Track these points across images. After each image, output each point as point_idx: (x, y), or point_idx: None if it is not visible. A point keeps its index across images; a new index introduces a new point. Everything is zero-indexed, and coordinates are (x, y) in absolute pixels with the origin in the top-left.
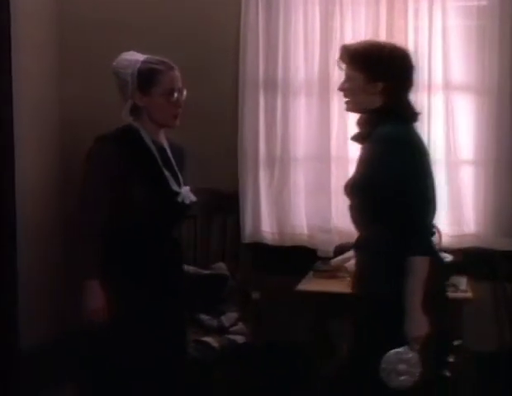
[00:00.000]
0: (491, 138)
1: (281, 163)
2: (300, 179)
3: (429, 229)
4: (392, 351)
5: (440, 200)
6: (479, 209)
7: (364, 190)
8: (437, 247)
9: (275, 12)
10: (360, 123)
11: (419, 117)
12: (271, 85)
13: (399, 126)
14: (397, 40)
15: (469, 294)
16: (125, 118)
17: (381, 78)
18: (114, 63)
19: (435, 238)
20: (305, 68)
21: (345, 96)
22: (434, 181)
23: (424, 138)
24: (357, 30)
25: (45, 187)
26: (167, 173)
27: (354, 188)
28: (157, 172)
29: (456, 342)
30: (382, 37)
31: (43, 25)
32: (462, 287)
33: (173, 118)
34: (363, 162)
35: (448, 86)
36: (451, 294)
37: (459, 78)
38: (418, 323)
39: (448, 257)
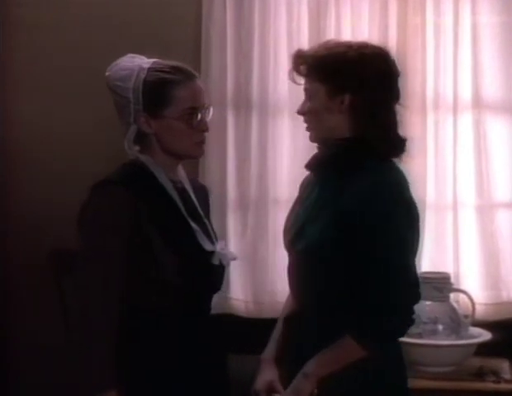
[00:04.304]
0: None
1: (256, 207)
2: (281, 228)
3: (394, 323)
4: None
5: (469, 256)
6: None
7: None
8: (468, 319)
9: (248, 8)
10: (327, 147)
11: (406, 146)
12: (243, 104)
13: (387, 169)
14: (412, 44)
15: None
16: (130, 151)
17: (347, 88)
18: (107, 73)
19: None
20: (289, 81)
21: (306, 121)
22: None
23: (449, 172)
24: (358, 30)
25: None
26: (194, 226)
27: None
28: (181, 226)
29: None
30: (393, 40)
31: None
32: (505, 375)
33: (196, 146)
34: (326, 204)
35: (478, 104)
36: (492, 386)
37: (493, 94)
38: (300, 389)
39: (484, 335)
